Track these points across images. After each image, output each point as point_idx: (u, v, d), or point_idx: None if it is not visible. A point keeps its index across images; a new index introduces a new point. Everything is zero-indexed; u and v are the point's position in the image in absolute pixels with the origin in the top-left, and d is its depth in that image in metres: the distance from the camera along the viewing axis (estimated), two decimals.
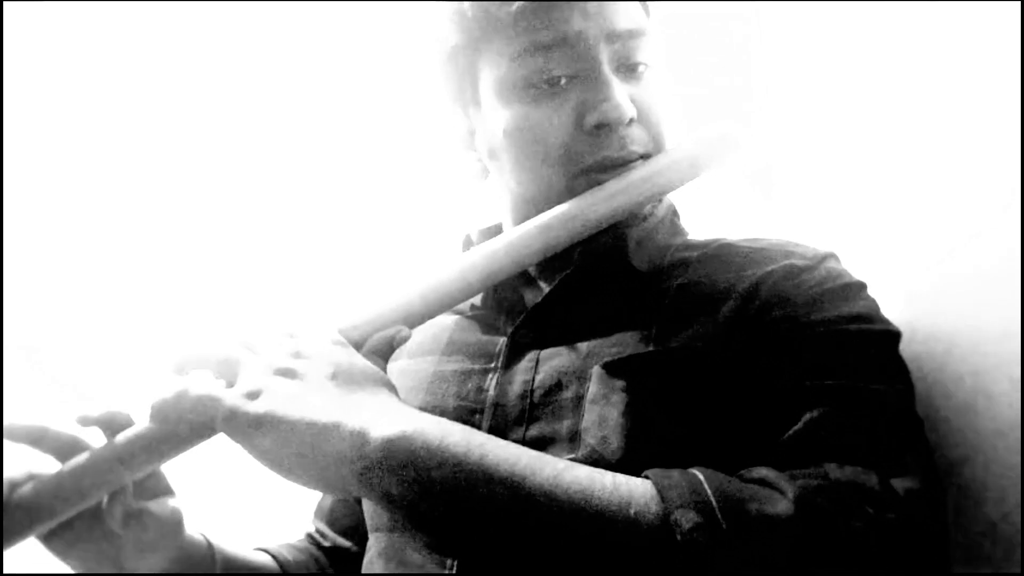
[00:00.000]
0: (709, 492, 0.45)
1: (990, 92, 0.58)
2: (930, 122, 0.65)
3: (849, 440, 0.49)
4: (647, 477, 0.48)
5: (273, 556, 0.72)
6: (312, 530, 0.80)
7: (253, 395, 0.48)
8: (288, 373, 0.49)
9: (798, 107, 0.82)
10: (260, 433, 0.46)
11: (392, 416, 0.48)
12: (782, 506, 0.44)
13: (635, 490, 0.46)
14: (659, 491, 0.46)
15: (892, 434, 0.51)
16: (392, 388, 0.52)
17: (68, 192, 1.41)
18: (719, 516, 0.44)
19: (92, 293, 1.39)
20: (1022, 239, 0.54)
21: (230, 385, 0.50)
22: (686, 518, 0.44)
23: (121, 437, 0.52)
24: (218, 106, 1.43)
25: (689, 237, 0.72)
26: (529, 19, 0.60)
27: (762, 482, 0.47)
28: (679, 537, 0.43)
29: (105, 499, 0.54)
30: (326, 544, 0.77)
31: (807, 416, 0.51)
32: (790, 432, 0.51)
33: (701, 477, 0.47)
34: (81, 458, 0.52)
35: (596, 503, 0.45)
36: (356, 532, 0.76)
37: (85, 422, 0.54)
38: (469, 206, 1.09)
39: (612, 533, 0.44)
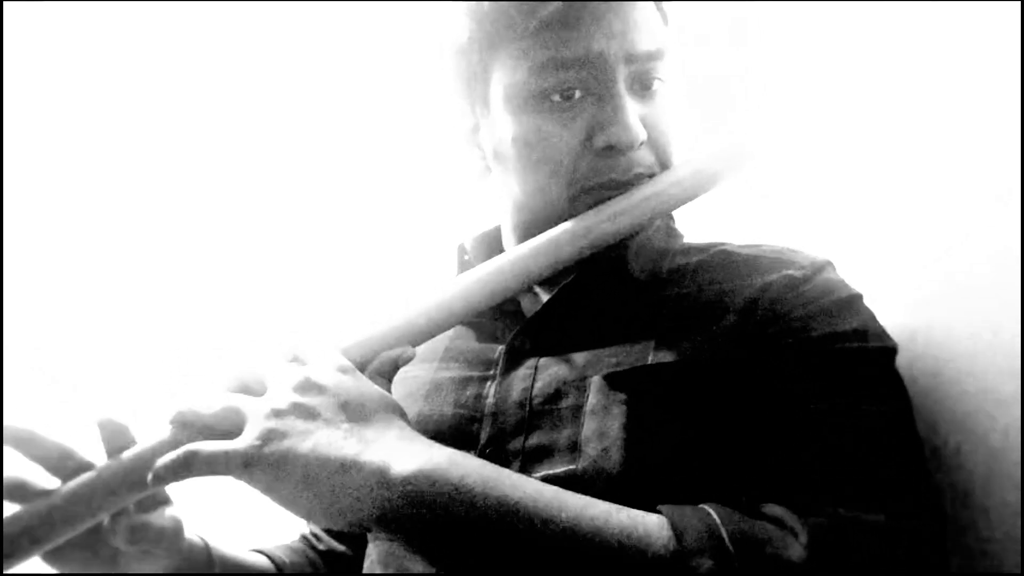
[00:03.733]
0: (725, 535, 0.46)
1: (990, 92, 0.58)
2: (929, 120, 0.64)
3: (856, 475, 0.50)
4: (660, 512, 0.48)
5: (269, 557, 0.72)
6: (307, 532, 0.80)
7: (266, 439, 0.46)
8: (298, 410, 0.48)
9: (796, 106, 0.82)
10: (278, 477, 0.45)
11: (410, 452, 0.47)
12: (795, 551, 0.45)
13: (652, 532, 0.46)
14: (675, 533, 0.46)
15: (895, 464, 0.51)
16: (402, 413, 0.52)
17: (69, 193, 1.41)
18: (735, 562, 0.44)
19: (93, 294, 1.39)
20: (1022, 237, 0.54)
21: (231, 434, 0.48)
22: (703, 564, 0.44)
23: (126, 456, 0.51)
24: (218, 108, 1.43)
25: (685, 241, 0.72)
26: (552, 34, 0.60)
27: (775, 522, 0.48)
28: None
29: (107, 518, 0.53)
30: (321, 547, 0.78)
31: (813, 445, 0.51)
32: (797, 462, 0.51)
33: (716, 519, 0.47)
34: (85, 478, 0.50)
35: (615, 547, 0.45)
36: (351, 536, 0.77)
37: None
38: (465, 214, 1.09)
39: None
